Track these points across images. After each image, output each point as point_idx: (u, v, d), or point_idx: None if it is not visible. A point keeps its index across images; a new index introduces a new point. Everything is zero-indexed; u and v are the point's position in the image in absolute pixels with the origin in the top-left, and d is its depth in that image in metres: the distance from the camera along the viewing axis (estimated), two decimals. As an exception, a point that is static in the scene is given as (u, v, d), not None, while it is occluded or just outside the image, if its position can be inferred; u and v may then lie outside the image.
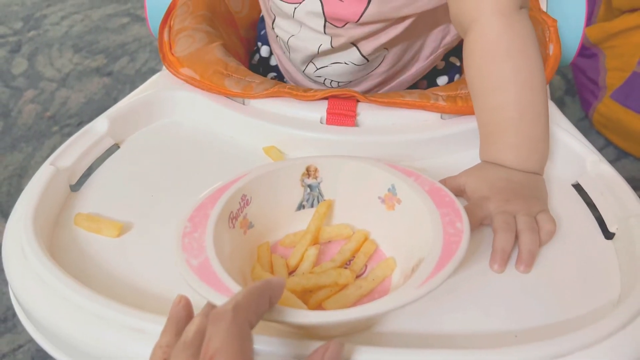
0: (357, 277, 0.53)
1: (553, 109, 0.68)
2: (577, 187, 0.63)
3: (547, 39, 0.73)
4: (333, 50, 0.74)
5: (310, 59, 0.77)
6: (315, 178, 0.57)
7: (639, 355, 0.46)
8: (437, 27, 0.77)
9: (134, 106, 0.70)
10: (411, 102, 0.67)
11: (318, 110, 0.67)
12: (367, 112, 0.67)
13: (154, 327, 0.46)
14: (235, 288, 0.44)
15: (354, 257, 0.55)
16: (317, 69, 0.78)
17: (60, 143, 1.40)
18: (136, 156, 0.68)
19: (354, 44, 0.74)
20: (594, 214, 0.60)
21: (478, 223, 0.57)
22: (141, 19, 1.92)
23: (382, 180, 0.55)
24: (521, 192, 0.59)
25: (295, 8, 0.72)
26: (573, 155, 0.65)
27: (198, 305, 0.44)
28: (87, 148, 0.65)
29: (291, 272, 0.54)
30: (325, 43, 0.74)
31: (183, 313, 0.43)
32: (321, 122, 0.67)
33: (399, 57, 0.77)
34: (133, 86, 1.59)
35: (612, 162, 1.32)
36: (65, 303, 0.49)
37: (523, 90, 0.60)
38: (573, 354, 0.44)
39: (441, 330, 0.49)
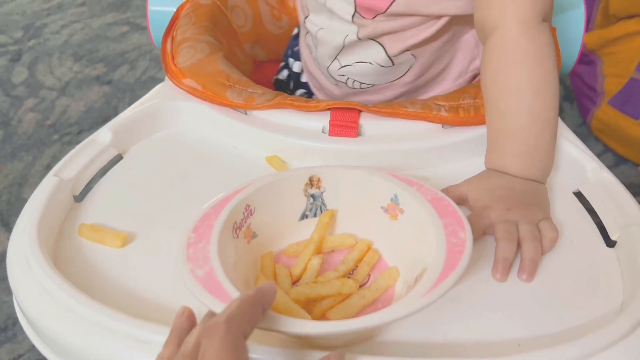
0: (361, 286, 0.54)
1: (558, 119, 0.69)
2: (579, 195, 0.63)
3: (554, 52, 0.73)
4: (359, 42, 0.74)
5: (336, 52, 0.77)
6: (318, 188, 0.58)
7: (642, 363, 0.46)
8: (466, 46, 0.77)
9: (136, 117, 0.71)
10: (413, 112, 0.67)
11: (320, 120, 0.68)
12: (369, 122, 0.68)
13: (158, 338, 0.46)
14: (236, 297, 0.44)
15: (357, 266, 0.55)
16: (342, 67, 0.78)
17: (61, 151, 1.41)
18: (139, 167, 0.68)
19: (379, 41, 0.74)
20: (595, 222, 0.60)
21: (481, 232, 0.57)
22: (141, 28, 1.92)
23: (385, 190, 0.56)
24: (523, 200, 0.59)
25: None
26: (574, 163, 0.65)
27: (200, 314, 0.45)
28: (91, 159, 0.65)
29: (295, 282, 0.54)
30: (351, 34, 0.74)
31: (186, 324, 0.43)
32: (323, 132, 0.67)
33: (426, 68, 0.77)
34: (133, 94, 1.60)
35: (611, 168, 1.32)
36: (69, 313, 0.50)
37: (536, 98, 0.61)
38: (576, 362, 0.44)
39: (444, 339, 0.49)
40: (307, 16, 0.79)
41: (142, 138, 0.71)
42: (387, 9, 0.70)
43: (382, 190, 0.56)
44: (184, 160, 0.69)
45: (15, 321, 1.07)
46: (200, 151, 0.70)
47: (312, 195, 0.58)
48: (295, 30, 0.93)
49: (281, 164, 0.66)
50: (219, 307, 0.43)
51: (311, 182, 0.57)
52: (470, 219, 0.55)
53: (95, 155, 0.65)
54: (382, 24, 0.72)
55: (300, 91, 0.91)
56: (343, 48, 0.76)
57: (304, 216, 0.58)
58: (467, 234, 0.49)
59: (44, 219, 0.57)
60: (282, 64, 0.93)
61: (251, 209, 0.55)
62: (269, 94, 0.70)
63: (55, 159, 1.37)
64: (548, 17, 0.64)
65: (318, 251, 0.56)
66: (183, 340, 0.41)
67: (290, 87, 0.92)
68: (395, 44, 0.74)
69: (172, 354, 0.41)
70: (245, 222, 0.54)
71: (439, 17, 0.71)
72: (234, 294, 0.45)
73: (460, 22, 0.74)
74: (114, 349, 0.48)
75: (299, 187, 0.57)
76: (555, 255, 0.56)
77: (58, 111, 1.57)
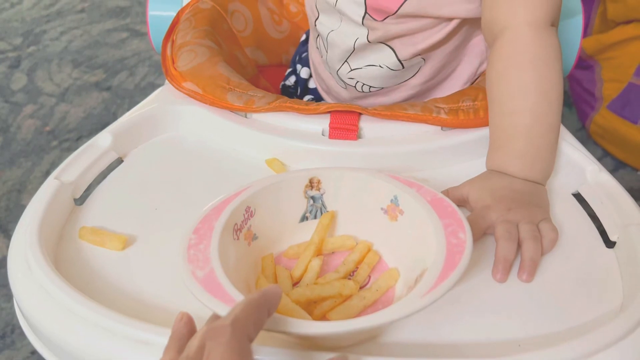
0: (361, 288, 0.54)
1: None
2: (578, 197, 0.64)
3: (561, 56, 0.73)
4: (369, 45, 0.74)
5: (346, 56, 0.77)
6: (318, 190, 0.58)
7: (642, 363, 0.46)
8: (475, 50, 0.78)
9: (137, 120, 0.71)
10: (413, 115, 0.67)
11: (320, 123, 0.68)
12: (369, 125, 0.68)
13: (159, 339, 0.46)
14: (241, 299, 0.44)
15: (357, 268, 0.55)
16: (351, 70, 0.78)
17: (60, 158, 1.41)
18: (140, 170, 0.68)
19: (389, 44, 0.74)
20: (594, 223, 0.60)
21: (481, 233, 0.57)
22: (140, 34, 1.93)
23: (385, 191, 0.56)
24: (523, 200, 0.59)
25: None
26: (573, 164, 0.65)
27: (202, 317, 0.45)
28: (91, 162, 0.65)
29: (295, 283, 0.54)
30: (361, 37, 0.74)
31: (185, 330, 0.43)
32: (323, 135, 0.68)
33: (436, 71, 0.78)
34: (132, 100, 1.60)
35: (610, 173, 1.32)
36: (70, 315, 0.50)
37: (540, 99, 0.61)
38: (576, 361, 0.45)
39: (445, 340, 0.49)
40: (317, 18, 0.79)
41: (143, 141, 0.71)
42: (398, 9, 0.70)
43: (382, 192, 0.56)
44: (184, 163, 0.69)
45: (14, 328, 1.07)
46: (201, 154, 0.70)
47: (312, 197, 0.58)
48: (304, 37, 0.93)
49: (281, 166, 0.66)
50: (219, 308, 0.43)
51: (311, 184, 0.57)
52: (470, 219, 0.55)
53: (96, 158, 0.66)
54: (392, 27, 0.72)
55: (307, 97, 0.91)
56: (353, 51, 0.76)
57: (304, 218, 0.59)
58: (467, 235, 0.49)
59: (45, 222, 0.57)
60: (290, 70, 0.93)
61: (252, 211, 0.55)
62: (269, 97, 0.70)
63: (55, 165, 1.37)
64: (556, 23, 0.65)
65: (318, 253, 0.56)
66: (182, 345, 0.41)
67: (298, 94, 0.92)
68: (406, 48, 0.74)
69: (173, 359, 0.41)
70: (246, 224, 0.55)
71: (449, 19, 0.71)
72: (235, 295, 0.45)
73: (470, 26, 0.74)
74: (115, 351, 0.48)
75: (299, 189, 0.57)
76: (555, 256, 0.56)
77: (57, 117, 1.57)
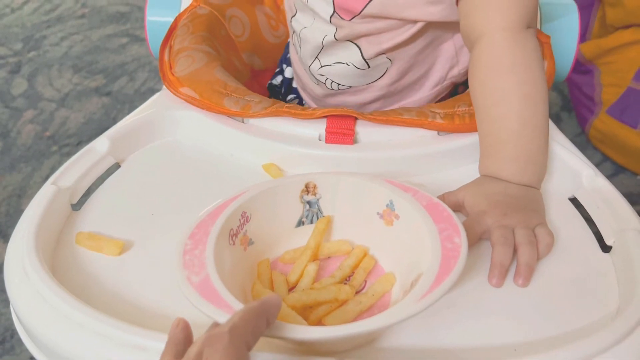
0: (357, 292, 0.54)
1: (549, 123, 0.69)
2: (574, 201, 0.64)
3: (541, 56, 0.74)
4: (336, 42, 0.75)
5: (317, 52, 0.78)
6: (314, 195, 0.58)
7: (638, 367, 0.46)
8: (445, 54, 0.78)
9: (134, 126, 0.71)
10: (409, 120, 0.67)
11: (316, 128, 0.68)
12: (365, 130, 0.68)
13: (155, 344, 0.46)
14: (236, 304, 0.44)
15: (353, 272, 0.55)
16: (321, 67, 0.79)
17: (60, 163, 1.41)
18: (137, 175, 0.68)
19: (356, 42, 0.75)
20: (591, 228, 0.60)
21: (477, 238, 0.57)
22: (140, 39, 1.93)
23: (381, 196, 0.56)
24: (519, 205, 0.59)
25: None
26: (569, 169, 0.65)
27: (198, 322, 0.45)
28: (88, 167, 0.65)
29: (291, 289, 0.54)
30: (329, 34, 0.75)
31: (181, 335, 0.43)
32: (320, 140, 0.68)
33: (402, 73, 0.78)
34: (132, 106, 1.60)
35: (609, 177, 1.32)
36: (66, 321, 0.50)
37: (525, 103, 0.61)
38: (572, 366, 0.45)
39: (441, 344, 0.49)
40: (294, 15, 0.80)
41: (140, 147, 0.71)
42: (362, 10, 0.71)
43: (377, 197, 0.56)
44: (181, 168, 0.69)
45: (13, 333, 1.07)
46: (198, 159, 0.70)
47: (309, 202, 0.58)
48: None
49: (278, 171, 0.67)
50: (214, 313, 0.44)
51: (307, 188, 0.58)
52: (466, 224, 0.55)
53: (93, 163, 0.66)
54: (358, 26, 0.73)
55: (291, 96, 0.92)
56: (322, 48, 0.77)
57: (300, 223, 0.59)
58: (462, 239, 0.49)
59: (42, 228, 0.57)
60: (278, 69, 0.94)
61: (247, 216, 0.55)
62: (266, 102, 0.70)
63: (54, 171, 1.37)
64: (532, 24, 0.65)
65: (314, 258, 0.56)
66: (179, 351, 0.42)
67: (282, 92, 0.93)
68: (370, 47, 0.75)
69: None
70: (242, 229, 0.55)
71: (413, 22, 0.72)
72: (230, 300, 0.45)
73: (438, 28, 0.74)
74: (112, 356, 0.48)
75: (295, 193, 0.58)
76: (552, 261, 0.56)
77: (57, 122, 1.57)
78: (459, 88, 0.84)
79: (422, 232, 0.51)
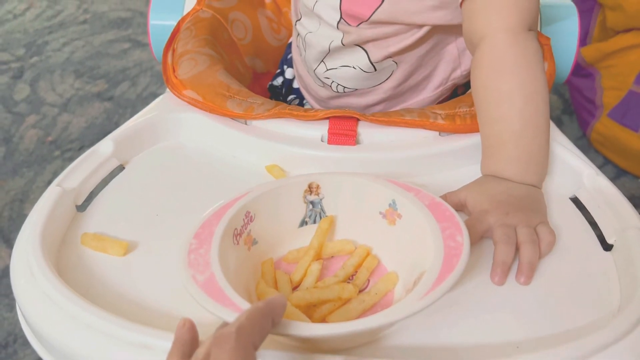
0: (360, 291, 0.54)
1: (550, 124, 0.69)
2: (575, 201, 0.64)
3: (542, 57, 0.74)
4: (343, 47, 0.76)
5: (322, 56, 0.79)
6: (317, 195, 0.58)
7: (639, 364, 0.46)
8: (448, 56, 0.79)
9: (138, 128, 0.72)
10: (411, 120, 0.68)
11: (319, 129, 0.68)
12: (367, 131, 0.68)
13: (161, 343, 0.47)
14: (241, 303, 0.45)
15: (356, 272, 0.56)
16: (327, 70, 0.80)
17: (62, 168, 1.41)
18: (141, 176, 0.69)
19: (363, 47, 0.75)
20: (592, 227, 0.61)
21: (479, 237, 0.57)
22: (142, 44, 1.94)
23: (383, 195, 0.56)
24: (521, 204, 0.60)
25: (316, 1, 0.75)
26: (570, 169, 0.66)
27: (204, 322, 0.45)
28: (93, 169, 0.65)
29: (295, 288, 0.55)
30: (336, 40, 0.76)
31: (187, 336, 0.44)
32: (322, 141, 0.68)
33: (407, 76, 0.79)
34: (134, 110, 1.61)
35: (611, 180, 1.33)
36: (72, 321, 0.50)
37: (527, 103, 0.62)
38: (574, 363, 0.45)
39: (443, 342, 0.49)
40: (299, 19, 0.81)
41: (144, 148, 0.72)
42: (371, 16, 0.71)
43: (380, 196, 0.57)
44: (184, 170, 0.69)
45: (16, 338, 1.07)
46: (201, 161, 0.70)
47: (312, 202, 0.58)
48: (291, 39, 0.94)
49: (281, 172, 0.67)
50: (219, 311, 0.44)
51: (310, 189, 0.58)
52: (469, 223, 0.56)
53: (98, 165, 0.66)
54: (365, 32, 0.74)
55: (291, 96, 0.93)
56: (329, 52, 0.78)
57: (303, 223, 0.59)
58: (464, 238, 0.49)
59: (47, 229, 0.58)
60: (278, 70, 0.95)
61: (251, 216, 0.55)
62: (268, 104, 0.70)
63: (57, 175, 1.37)
64: (534, 27, 0.66)
65: (318, 257, 0.57)
66: (185, 352, 0.42)
67: (283, 93, 0.94)
68: (378, 51, 0.75)
69: None
70: (246, 228, 0.55)
71: (420, 26, 0.73)
72: (235, 299, 0.45)
73: (442, 32, 0.75)
74: (118, 355, 0.48)
75: (298, 194, 0.58)
76: (554, 260, 0.57)
77: (59, 127, 1.58)
78: (458, 90, 0.85)
79: (424, 231, 0.52)
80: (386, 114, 0.69)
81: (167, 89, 0.76)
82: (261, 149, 0.69)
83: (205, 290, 0.46)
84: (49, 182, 0.63)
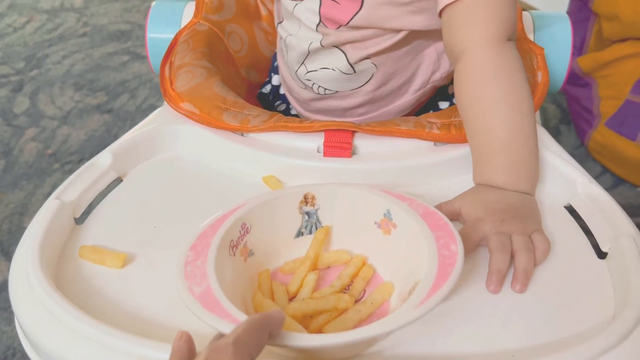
0: (356, 301, 0.54)
1: (542, 134, 0.70)
2: (570, 209, 0.64)
3: (536, 67, 0.75)
4: (322, 49, 0.77)
5: (303, 58, 0.80)
6: (313, 205, 0.59)
7: (633, 371, 0.47)
8: (428, 59, 0.80)
9: (136, 140, 0.72)
10: (406, 130, 0.68)
11: (315, 140, 0.69)
12: (362, 142, 0.69)
13: (159, 355, 0.47)
14: (237, 314, 0.45)
15: (352, 282, 0.56)
16: (308, 72, 0.81)
17: (61, 180, 1.41)
18: (139, 189, 0.69)
19: (341, 48, 0.77)
20: (586, 235, 0.61)
21: (475, 245, 0.58)
22: (141, 57, 1.95)
23: (378, 205, 0.57)
24: (515, 212, 0.60)
25: (296, 5, 0.76)
26: (563, 177, 0.66)
27: (201, 334, 0.45)
28: (91, 182, 0.66)
29: (291, 298, 0.55)
30: (315, 41, 0.77)
31: (185, 348, 0.44)
32: (318, 151, 0.69)
33: (387, 78, 0.80)
34: (133, 123, 1.61)
35: (610, 189, 1.33)
36: (71, 333, 0.50)
37: (512, 112, 0.63)
38: (569, 371, 0.45)
39: (440, 351, 0.49)
40: (280, 22, 0.82)
41: (142, 161, 0.72)
42: (349, 21, 0.73)
43: (375, 206, 0.57)
44: (182, 181, 0.70)
45: (15, 352, 1.07)
46: (198, 173, 0.71)
47: (307, 213, 0.59)
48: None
49: (277, 183, 0.67)
50: (216, 323, 0.44)
51: (306, 199, 0.58)
52: (464, 231, 0.56)
53: (96, 178, 0.66)
54: (344, 34, 0.75)
55: (278, 102, 0.94)
56: (308, 54, 0.79)
57: (299, 233, 0.59)
58: (458, 247, 0.50)
59: (46, 241, 0.58)
60: (267, 79, 0.96)
61: (247, 227, 0.56)
62: (264, 115, 0.71)
63: (56, 188, 1.37)
64: (513, 37, 0.67)
65: (314, 267, 0.57)
66: None
67: (270, 99, 0.95)
68: (356, 52, 0.76)
69: None
70: (242, 240, 0.55)
71: (398, 30, 0.74)
72: (231, 310, 0.45)
73: (420, 36, 0.76)
74: (116, 367, 0.48)
75: (294, 204, 0.58)
76: (549, 268, 0.57)
77: (59, 140, 1.58)
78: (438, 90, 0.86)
79: (419, 241, 0.52)
80: (382, 123, 0.70)
81: (165, 102, 0.77)
82: (258, 161, 0.69)
83: (202, 302, 0.46)
84: (49, 195, 0.63)
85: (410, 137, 0.69)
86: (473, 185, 0.65)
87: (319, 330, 0.51)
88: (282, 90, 0.94)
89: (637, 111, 1.31)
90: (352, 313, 0.52)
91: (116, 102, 1.73)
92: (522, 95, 0.63)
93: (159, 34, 0.91)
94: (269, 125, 0.69)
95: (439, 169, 0.68)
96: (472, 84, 0.65)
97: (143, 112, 1.68)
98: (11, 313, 1.06)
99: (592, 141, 1.42)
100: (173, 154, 0.74)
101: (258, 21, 0.97)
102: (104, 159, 0.68)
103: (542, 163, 0.66)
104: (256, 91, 0.96)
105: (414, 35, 0.76)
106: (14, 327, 1.05)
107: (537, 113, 0.74)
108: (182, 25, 0.88)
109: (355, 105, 0.83)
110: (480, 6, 0.65)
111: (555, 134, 1.51)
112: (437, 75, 0.81)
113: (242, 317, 0.45)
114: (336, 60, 0.78)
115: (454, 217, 0.62)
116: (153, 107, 1.67)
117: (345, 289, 0.55)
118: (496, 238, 0.57)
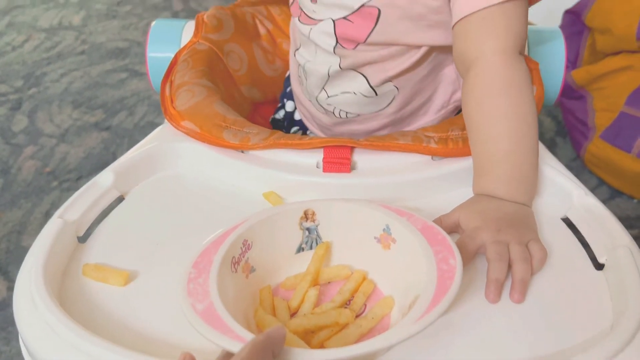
0: (357, 316, 0.55)
1: (539, 146, 0.71)
2: (567, 221, 0.65)
3: (531, 81, 0.76)
4: (342, 72, 0.78)
5: (323, 83, 0.81)
6: (313, 221, 0.59)
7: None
8: (447, 79, 0.81)
9: (137, 159, 0.73)
10: (404, 145, 0.69)
11: (315, 156, 0.70)
12: (361, 157, 0.70)
13: (162, 373, 0.47)
14: (240, 331, 0.45)
15: (353, 296, 0.56)
16: (329, 97, 0.82)
17: (60, 198, 1.41)
18: (140, 207, 0.69)
19: (361, 72, 0.77)
20: (584, 246, 0.62)
21: (473, 253, 0.59)
22: (139, 74, 1.95)
23: (377, 220, 0.58)
24: (511, 221, 0.61)
25: (311, 29, 0.77)
26: (560, 190, 0.67)
27: (204, 352, 0.46)
28: (94, 201, 0.66)
29: (293, 314, 0.55)
30: (334, 65, 0.77)
31: None
32: (318, 167, 0.69)
33: (408, 100, 0.81)
34: (131, 140, 1.62)
35: (606, 201, 1.33)
36: (75, 351, 0.51)
37: (518, 123, 0.64)
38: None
39: (440, 364, 0.50)
40: (297, 49, 0.83)
41: (143, 179, 0.73)
42: (367, 38, 0.73)
43: (374, 221, 0.58)
44: (183, 199, 0.70)
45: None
46: (199, 190, 0.71)
47: (308, 229, 0.60)
48: (288, 73, 0.96)
49: (278, 199, 0.68)
50: (218, 340, 0.45)
51: (306, 215, 0.59)
52: (462, 240, 0.57)
53: (98, 197, 0.67)
54: (362, 54, 0.75)
55: (294, 128, 0.95)
56: (329, 78, 0.79)
57: (300, 249, 0.60)
58: (457, 261, 0.51)
59: (49, 260, 0.58)
60: (279, 105, 0.97)
61: (249, 244, 0.56)
62: (264, 133, 0.72)
63: (55, 206, 1.37)
64: (523, 51, 0.68)
65: (315, 283, 0.58)
66: None
67: (285, 125, 0.95)
68: (376, 74, 0.77)
69: None
70: (244, 256, 0.56)
71: (417, 47, 0.75)
72: (234, 326, 0.46)
73: (439, 54, 0.77)
74: (119, 385, 0.48)
75: (294, 221, 0.59)
76: (547, 279, 0.58)
77: (57, 158, 1.58)
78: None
79: (418, 255, 0.53)
80: (380, 138, 0.71)
81: (166, 120, 0.78)
82: (258, 177, 0.70)
83: (205, 319, 0.47)
84: (47, 213, 0.64)
85: (408, 151, 0.70)
86: (470, 197, 0.66)
87: (321, 346, 0.52)
88: (297, 116, 0.95)
89: (632, 123, 1.32)
90: (353, 328, 0.52)
91: (114, 119, 1.74)
92: (529, 109, 0.64)
93: (159, 53, 0.92)
94: (270, 143, 0.70)
95: (437, 183, 0.69)
96: (482, 92, 0.66)
97: (141, 129, 1.68)
98: (9, 333, 1.07)
99: (588, 153, 1.43)
100: (174, 172, 0.74)
101: (257, 40, 0.98)
102: (105, 178, 0.69)
103: (539, 176, 0.67)
104: (260, 109, 0.97)
105: (432, 53, 0.76)
106: (12, 347, 1.05)
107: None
108: (182, 45, 0.89)
109: (377, 127, 0.84)
110: (496, 18, 0.66)
111: (551, 147, 1.52)
112: (458, 95, 0.82)
113: (244, 334, 0.45)
114: (357, 84, 0.79)
115: (454, 228, 0.63)
116: (151, 124, 1.68)
117: (346, 304, 0.56)
118: (494, 247, 0.57)
